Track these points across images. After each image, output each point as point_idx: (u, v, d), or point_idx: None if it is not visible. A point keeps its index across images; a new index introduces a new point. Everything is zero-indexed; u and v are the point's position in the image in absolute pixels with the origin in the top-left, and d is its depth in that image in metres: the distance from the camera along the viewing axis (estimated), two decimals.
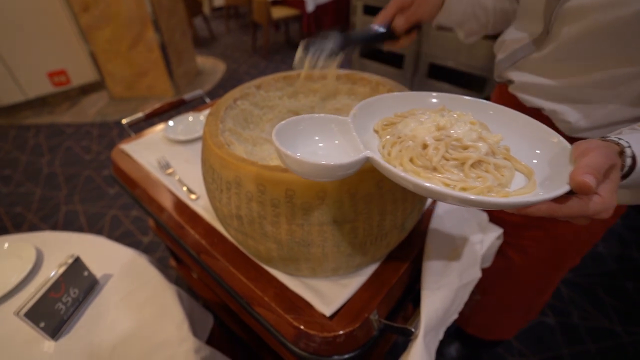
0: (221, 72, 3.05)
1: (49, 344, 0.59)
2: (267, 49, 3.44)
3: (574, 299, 1.26)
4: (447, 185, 0.30)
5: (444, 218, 0.64)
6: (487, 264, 0.68)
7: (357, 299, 0.53)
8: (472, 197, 0.26)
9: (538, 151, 0.34)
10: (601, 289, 1.29)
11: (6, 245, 0.73)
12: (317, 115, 0.36)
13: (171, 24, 2.50)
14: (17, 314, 0.54)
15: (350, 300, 0.53)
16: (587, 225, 0.64)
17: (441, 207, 0.66)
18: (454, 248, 0.59)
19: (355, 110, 0.37)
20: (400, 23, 0.54)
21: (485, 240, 0.62)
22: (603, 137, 0.33)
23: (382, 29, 0.55)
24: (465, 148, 0.32)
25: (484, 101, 0.39)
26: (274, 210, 0.45)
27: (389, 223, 0.49)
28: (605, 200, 0.28)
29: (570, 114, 0.51)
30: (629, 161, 0.31)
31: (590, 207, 0.28)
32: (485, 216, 0.66)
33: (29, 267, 0.68)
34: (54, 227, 1.57)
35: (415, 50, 2.21)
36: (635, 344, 1.12)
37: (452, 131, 0.32)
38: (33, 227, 1.57)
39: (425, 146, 0.32)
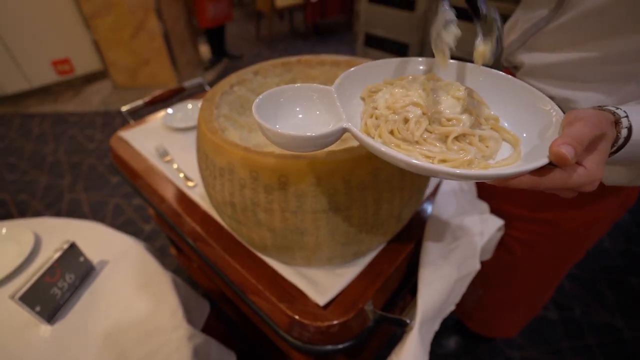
0: (224, 62, 3.03)
1: (45, 328, 0.59)
2: (271, 39, 3.40)
3: (577, 293, 1.24)
4: (428, 157, 0.29)
5: (443, 208, 0.62)
6: (487, 257, 0.67)
7: (352, 289, 0.52)
8: (447, 169, 0.25)
9: (530, 120, 0.32)
10: (605, 284, 1.27)
11: (4, 230, 0.73)
12: (297, 85, 0.35)
13: (174, 12, 2.47)
14: (12, 297, 0.54)
15: (345, 290, 0.52)
16: (595, 220, 0.62)
17: (441, 197, 0.65)
18: (452, 239, 0.58)
19: (340, 79, 0.36)
20: None
21: (485, 231, 0.60)
22: (600, 106, 0.30)
23: None
24: (449, 120, 0.32)
25: (475, 65, 0.37)
26: (267, 197, 0.44)
27: (385, 212, 0.48)
28: (590, 172, 0.27)
29: (583, 101, 0.48)
30: (624, 132, 0.29)
31: (573, 179, 0.27)
32: (486, 207, 0.64)
33: (27, 252, 0.68)
34: (58, 214, 1.58)
35: (420, 40, 2.16)
36: (637, 340, 1.11)
37: (437, 104, 0.32)
38: (37, 215, 1.58)
39: (406, 120, 0.32)
